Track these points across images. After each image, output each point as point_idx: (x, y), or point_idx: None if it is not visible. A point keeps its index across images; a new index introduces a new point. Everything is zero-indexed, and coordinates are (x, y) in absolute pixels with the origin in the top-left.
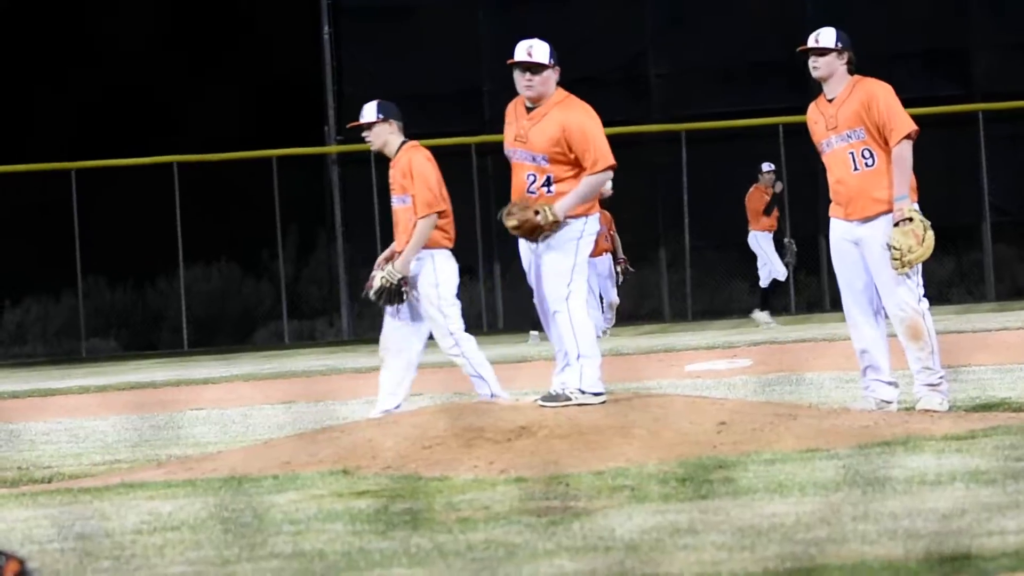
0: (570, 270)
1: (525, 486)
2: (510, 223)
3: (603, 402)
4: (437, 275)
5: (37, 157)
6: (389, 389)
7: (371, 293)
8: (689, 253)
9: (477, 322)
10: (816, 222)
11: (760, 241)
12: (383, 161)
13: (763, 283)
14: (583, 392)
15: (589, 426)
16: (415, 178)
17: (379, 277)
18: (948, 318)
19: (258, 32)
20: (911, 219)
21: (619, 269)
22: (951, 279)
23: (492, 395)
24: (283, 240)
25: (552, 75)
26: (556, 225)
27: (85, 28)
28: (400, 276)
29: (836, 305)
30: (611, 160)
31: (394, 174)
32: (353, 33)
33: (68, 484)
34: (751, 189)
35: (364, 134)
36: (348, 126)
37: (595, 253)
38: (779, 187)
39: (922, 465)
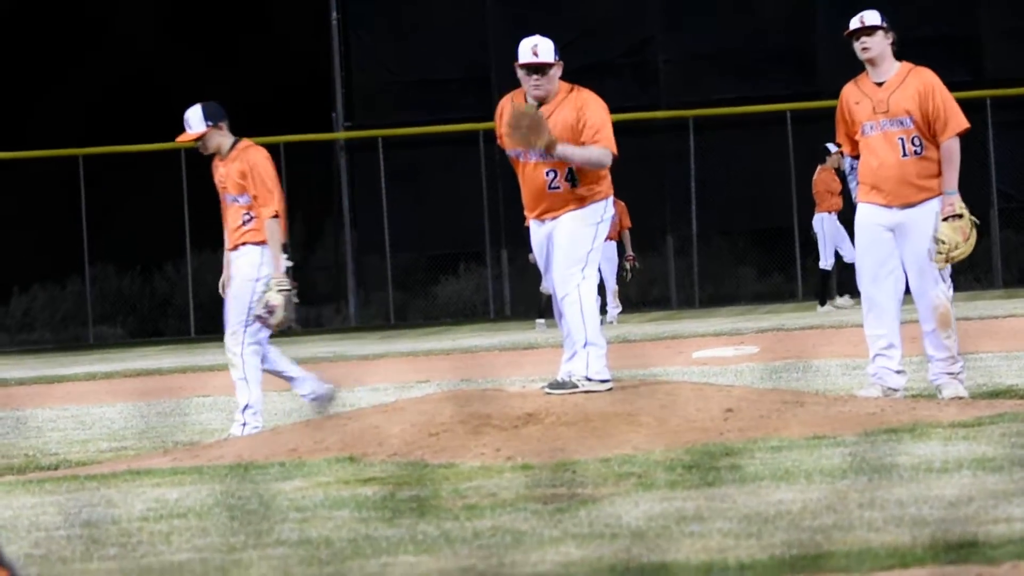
0: (586, 255)
1: (532, 473)
2: (515, 134)
3: (610, 389)
4: (259, 271)
5: (44, 143)
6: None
7: (276, 320)
8: (696, 240)
9: (484, 309)
10: None
11: (825, 223)
12: (392, 147)
13: (828, 264)
14: (589, 380)
15: (596, 413)
16: (257, 177)
17: (269, 301)
18: (955, 305)
19: (266, 18)
20: (961, 216)
21: (628, 266)
22: (958, 266)
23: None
24: (290, 226)
25: (557, 71)
26: (551, 148)
27: (92, 14)
28: (289, 281)
29: (842, 291)
30: (615, 149)
31: (227, 172)
32: (361, 19)
33: (75, 471)
34: (818, 171)
35: (196, 143)
36: (176, 140)
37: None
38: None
39: (928, 452)
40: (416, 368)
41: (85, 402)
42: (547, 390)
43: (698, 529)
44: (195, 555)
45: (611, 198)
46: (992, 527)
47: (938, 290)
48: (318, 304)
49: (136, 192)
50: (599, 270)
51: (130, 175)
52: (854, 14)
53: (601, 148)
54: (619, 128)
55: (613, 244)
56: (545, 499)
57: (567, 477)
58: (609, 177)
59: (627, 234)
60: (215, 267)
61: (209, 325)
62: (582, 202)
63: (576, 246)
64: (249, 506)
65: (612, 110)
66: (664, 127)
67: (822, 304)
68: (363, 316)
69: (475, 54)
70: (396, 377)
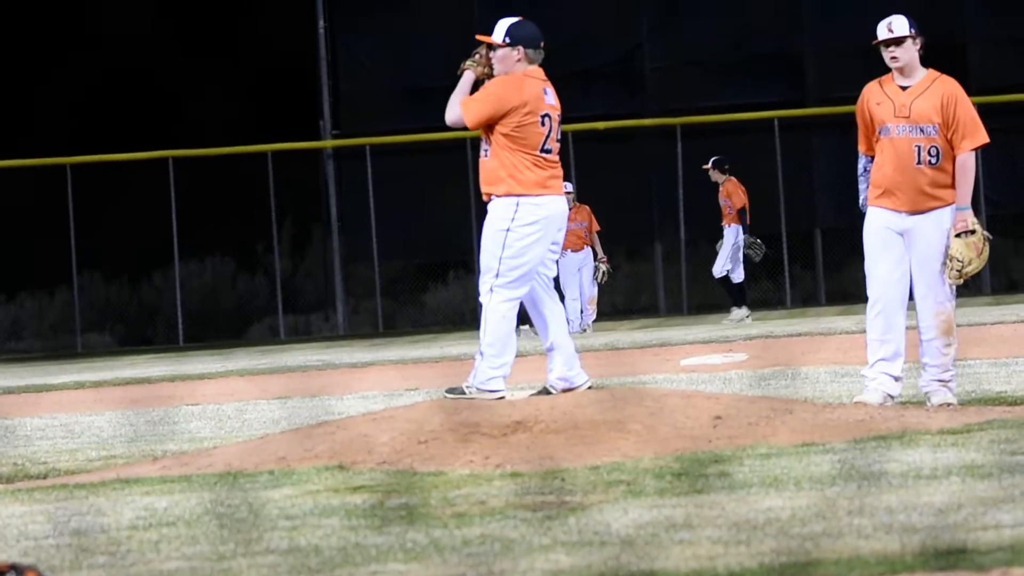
0: (496, 262)
1: (521, 481)
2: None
3: (501, 398)
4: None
5: (32, 152)
6: None
7: None
8: (684, 247)
9: (473, 317)
10: (811, 216)
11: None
12: (379, 155)
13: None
14: (478, 389)
15: (584, 421)
16: None
17: None
18: None
19: (253, 26)
20: (973, 231)
21: (602, 269)
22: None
23: None
24: (278, 235)
25: (508, 53)
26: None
27: (80, 23)
28: None
29: (831, 299)
30: (464, 115)
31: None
32: (348, 26)
33: (64, 480)
34: (733, 182)
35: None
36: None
37: (576, 247)
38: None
39: (918, 459)
40: (405, 376)
41: (74, 411)
42: (445, 393)
43: (687, 537)
44: (184, 563)
45: (533, 199)
46: (981, 534)
47: (943, 297)
48: (306, 312)
49: (124, 200)
50: (577, 280)
51: (117, 183)
52: (842, 19)
53: (459, 104)
54: (607, 135)
55: (588, 250)
56: (534, 507)
57: (556, 485)
58: (523, 174)
59: (595, 237)
60: (203, 275)
61: (198, 333)
62: (492, 201)
63: (485, 252)
64: (238, 514)
65: (599, 117)
66: (651, 134)
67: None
68: (352, 324)
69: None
70: (385, 385)
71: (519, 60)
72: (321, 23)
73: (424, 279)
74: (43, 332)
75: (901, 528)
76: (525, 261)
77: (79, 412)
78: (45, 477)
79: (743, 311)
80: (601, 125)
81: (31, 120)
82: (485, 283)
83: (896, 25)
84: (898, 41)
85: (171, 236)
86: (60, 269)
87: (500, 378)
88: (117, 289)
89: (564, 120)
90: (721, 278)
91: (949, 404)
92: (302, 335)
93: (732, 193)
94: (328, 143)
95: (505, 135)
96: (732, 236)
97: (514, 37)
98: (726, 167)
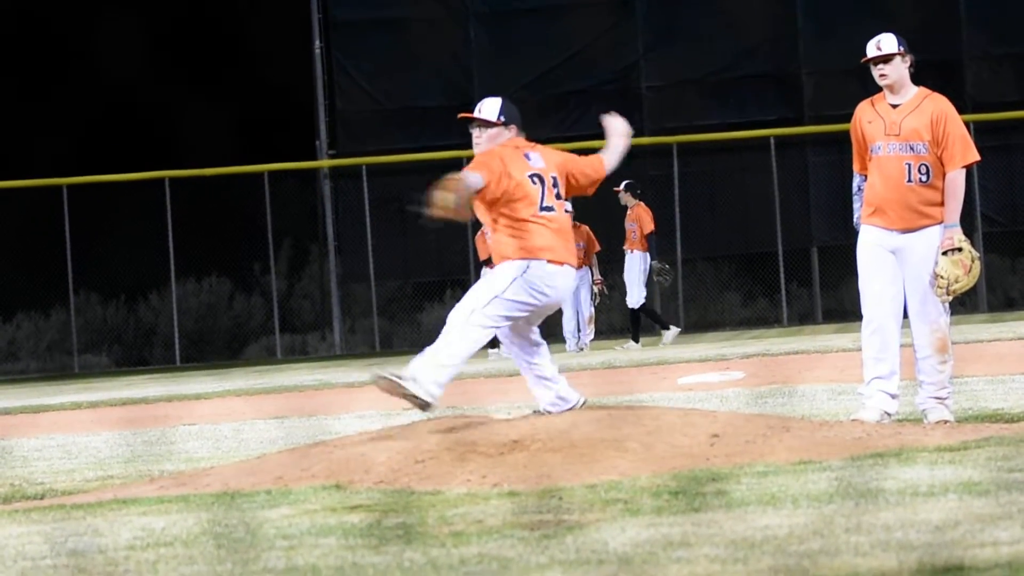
0: (488, 297)
1: (518, 500)
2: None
3: (427, 407)
4: None
5: (29, 173)
6: None
7: None
8: (681, 266)
9: None
10: (808, 234)
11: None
12: (375, 175)
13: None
14: (415, 382)
15: (582, 439)
16: None
17: None
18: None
19: (249, 47)
20: (960, 249)
21: (595, 290)
22: None
23: None
24: (275, 255)
25: (501, 132)
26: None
27: (77, 45)
28: None
29: (828, 317)
30: (468, 181)
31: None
32: (344, 47)
33: (61, 500)
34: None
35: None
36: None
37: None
38: (622, 199)
39: (915, 476)
40: None
41: (71, 431)
42: (377, 375)
43: (684, 555)
44: None
45: (537, 261)
46: (979, 551)
47: (937, 316)
48: (303, 332)
49: (120, 221)
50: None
51: (114, 204)
52: (838, 39)
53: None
54: None
55: (586, 269)
56: (531, 526)
57: (553, 503)
58: (527, 240)
59: (594, 258)
60: (200, 295)
61: (194, 353)
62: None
63: (474, 290)
64: (236, 534)
65: (595, 136)
66: (648, 153)
67: (636, 340)
68: (348, 344)
69: (458, 81)
70: (382, 404)
71: (509, 137)
72: (317, 43)
73: (420, 298)
74: (40, 353)
75: (898, 545)
76: (506, 310)
77: (76, 432)
78: (42, 497)
79: (674, 330)
80: (598, 144)
81: (28, 141)
82: (467, 306)
83: (884, 43)
84: (887, 59)
85: (167, 256)
86: (57, 290)
87: (441, 387)
88: (114, 310)
89: (561, 139)
90: (641, 307)
91: (946, 421)
92: (299, 355)
93: (641, 218)
94: (324, 163)
95: (494, 206)
96: (638, 262)
97: (508, 116)
98: (638, 191)
